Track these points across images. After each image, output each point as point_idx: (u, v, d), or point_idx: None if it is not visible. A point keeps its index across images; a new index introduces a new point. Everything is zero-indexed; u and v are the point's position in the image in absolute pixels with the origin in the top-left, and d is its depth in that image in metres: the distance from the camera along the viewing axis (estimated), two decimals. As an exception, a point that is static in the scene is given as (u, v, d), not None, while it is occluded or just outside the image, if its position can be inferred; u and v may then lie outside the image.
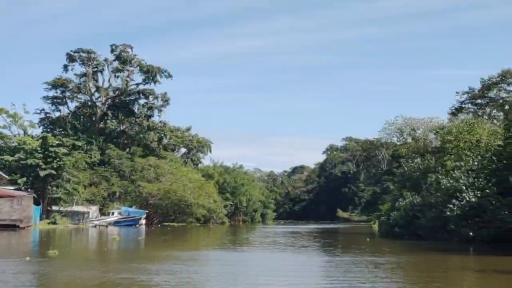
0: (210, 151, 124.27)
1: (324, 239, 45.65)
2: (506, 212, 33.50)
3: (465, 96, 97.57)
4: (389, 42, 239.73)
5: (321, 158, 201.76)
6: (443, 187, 37.99)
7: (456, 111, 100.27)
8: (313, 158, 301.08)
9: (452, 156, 40.38)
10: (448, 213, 35.65)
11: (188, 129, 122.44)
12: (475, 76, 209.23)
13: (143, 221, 79.14)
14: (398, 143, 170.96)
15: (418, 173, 47.13)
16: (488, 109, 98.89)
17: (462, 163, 38.86)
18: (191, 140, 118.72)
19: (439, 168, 42.68)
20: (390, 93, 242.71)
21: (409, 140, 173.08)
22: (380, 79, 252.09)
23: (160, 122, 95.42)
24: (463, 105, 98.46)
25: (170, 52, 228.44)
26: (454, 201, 36.22)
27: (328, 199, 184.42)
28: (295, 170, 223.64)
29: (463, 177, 37.03)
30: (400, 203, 45.54)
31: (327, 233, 58.12)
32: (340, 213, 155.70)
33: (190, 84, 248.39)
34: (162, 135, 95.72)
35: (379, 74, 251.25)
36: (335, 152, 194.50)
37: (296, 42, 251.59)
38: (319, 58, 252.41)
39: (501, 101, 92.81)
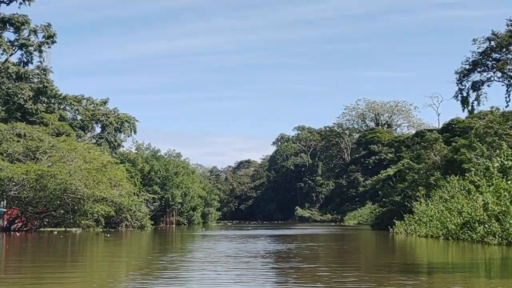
0: (135, 132, 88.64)
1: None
2: None
3: (486, 44, 65.86)
4: (321, 44, 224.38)
5: (270, 150, 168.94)
6: None
7: (471, 66, 68.62)
8: (259, 155, 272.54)
9: None
10: None
11: (105, 102, 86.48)
12: (400, 77, 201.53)
13: (-5, 226, 43.65)
14: (364, 129, 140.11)
15: None
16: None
17: None
18: (106, 115, 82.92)
19: None
20: (324, 93, 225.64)
21: (372, 125, 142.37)
22: (314, 79, 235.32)
23: (38, 68, 58.76)
24: (483, 58, 66.84)
25: (105, 51, 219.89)
26: None
27: (279, 196, 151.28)
28: (241, 165, 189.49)
29: None
30: None
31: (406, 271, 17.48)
32: (299, 211, 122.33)
33: (124, 83, 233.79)
34: (43, 86, 58.88)
35: (313, 75, 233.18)
36: (286, 143, 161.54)
37: (231, 42, 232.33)
38: (254, 58, 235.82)
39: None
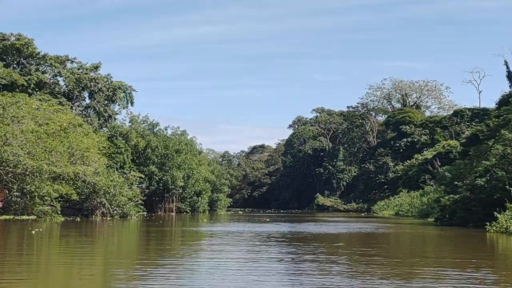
0: (132, 103, 73.35)
1: None
2: None
3: None
4: (340, 33, 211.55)
5: (286, 136, 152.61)
6: None
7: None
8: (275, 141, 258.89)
9: None
10: None
11: (96, 67, 71.05)
12: (417, 68, 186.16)
13: None
14: (392, 111, 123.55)
15: None
16: None
17: None
18: (94, 80, 67.79)
19: None
20: (340, 84, 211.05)
21: (398, 107, 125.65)
22: (331, 69, 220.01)
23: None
24: None
25: (122, 38, 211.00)
26: None
27: (295, 182, 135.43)
28: (255, 150, 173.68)
29: None
30: None
31: None
32: (320, 199, 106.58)
33: (139, 71, 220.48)
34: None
35: (332, 65, 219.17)
36: (304, 126, 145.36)
37: (247, 31, 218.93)
38: (270, 47, 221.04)
39: None
